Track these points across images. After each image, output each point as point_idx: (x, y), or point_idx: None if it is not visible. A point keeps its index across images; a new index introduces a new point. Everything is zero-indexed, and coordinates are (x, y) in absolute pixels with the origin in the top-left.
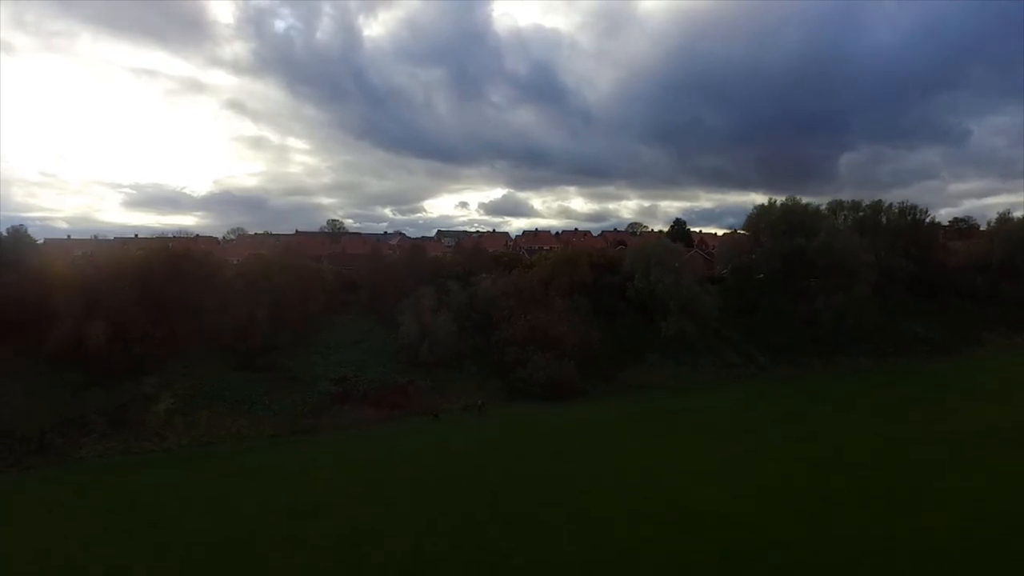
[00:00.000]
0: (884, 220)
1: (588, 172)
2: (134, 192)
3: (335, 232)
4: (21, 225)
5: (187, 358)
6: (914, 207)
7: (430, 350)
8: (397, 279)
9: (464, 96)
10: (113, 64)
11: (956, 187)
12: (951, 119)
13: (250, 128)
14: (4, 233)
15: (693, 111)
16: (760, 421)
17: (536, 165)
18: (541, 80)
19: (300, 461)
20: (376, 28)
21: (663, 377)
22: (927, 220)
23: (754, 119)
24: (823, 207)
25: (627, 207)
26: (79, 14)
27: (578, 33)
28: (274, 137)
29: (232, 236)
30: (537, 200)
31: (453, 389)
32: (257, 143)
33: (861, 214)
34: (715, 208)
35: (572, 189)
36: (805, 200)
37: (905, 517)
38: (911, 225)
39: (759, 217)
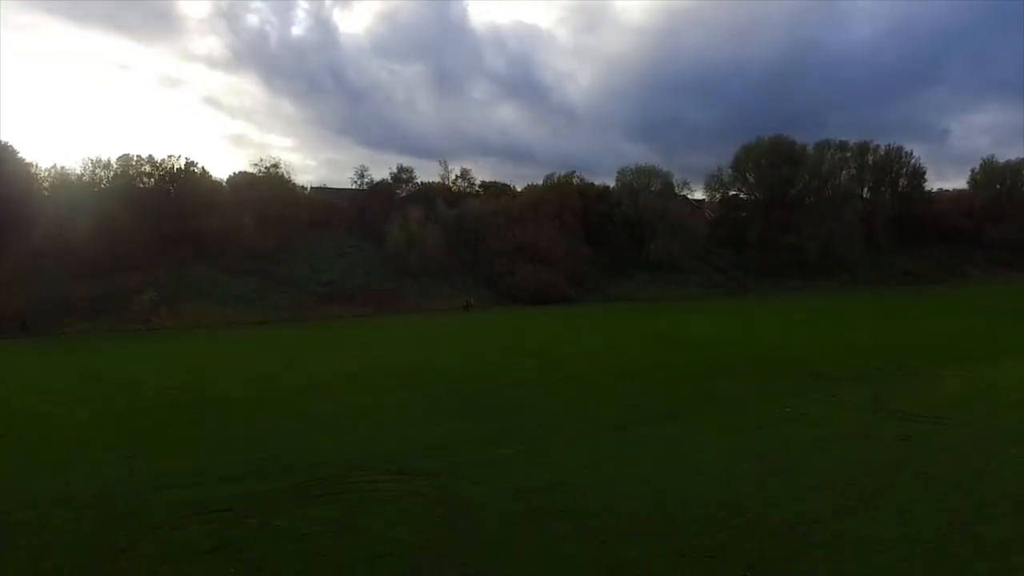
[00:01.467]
0: (870, 161)
1: (573, 170)
2: None
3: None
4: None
5: (172, 259)
6: (899, 148)
7: (418, 260)
8: (384, 198)
9: (444, 93)
10: (91, 59)
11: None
12: (932, 117)
13: (230, 125)
14: None
15: (675, 108)
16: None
17: (520, 163)
18: (521, 76)
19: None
20: (352, 23)
21: (650, 293)
22: (912, 163)
23: (736, 116)
24: (810, 148)
25: None
26: (46, 6)
27: (556, 29)
28: (255, 134)
29: None
30: None
31: (440, 296)
32: (238, 140)
33: (848, 154)
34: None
35: None
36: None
37: None
38: (896, 165)
39: (746, 154)
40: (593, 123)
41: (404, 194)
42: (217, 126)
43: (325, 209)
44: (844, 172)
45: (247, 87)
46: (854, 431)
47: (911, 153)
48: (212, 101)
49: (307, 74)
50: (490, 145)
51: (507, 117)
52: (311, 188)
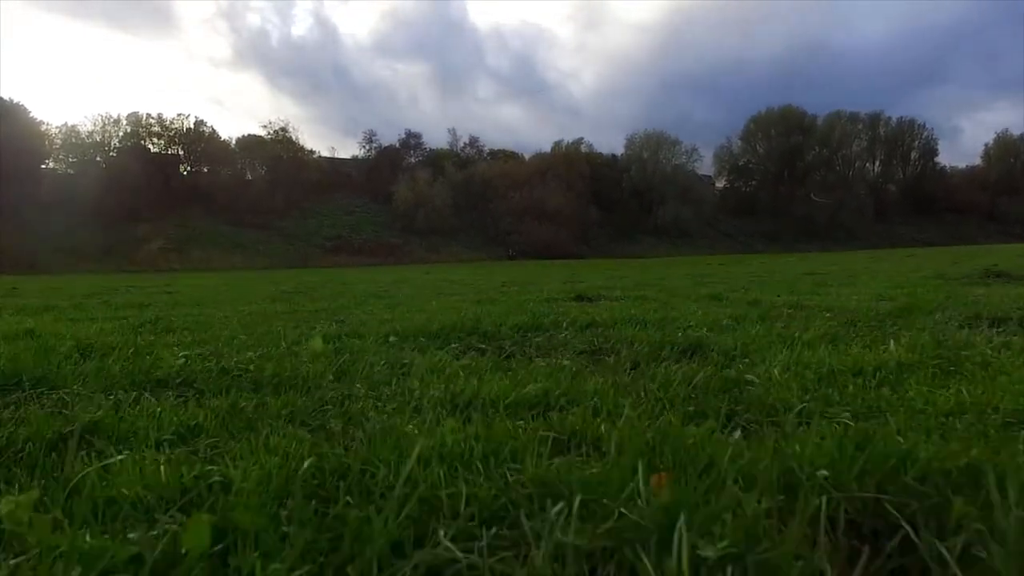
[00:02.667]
0: (882, 133)
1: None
2: None
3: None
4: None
5: (181, 212)
6: (912, 121)
7: (425, 217)
8: (393, 162)
9: (447, 91)
10: (94, 59)
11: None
12: (941, 116)
13: (235, 124)
14: None
15: (681, 107)
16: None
17: None
18: (525, 75)
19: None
20: (353, 22)
21: (657, 253)
22: (925, 135)
23: (743, 115)
24: (820, 119)
25: None
26: (46, 5)
27: (560, 27)
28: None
29: None
30: None
31: (447, 252)
32: None
33: (859, 126)
34: None
35: None
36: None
37: None
38: (909, 138)
39: (756, 125)
40: (597, 121)
41: (413, 160)
42: (221, 125)
43: (334, 173)
44: (855, 143)
45: (250, 87)
46: (863, 257)
47: (924, 126)
48: (216, 101)
49: (310, 74)
50: (494, 144)
51: (511, 116)
52: (320, 155)
